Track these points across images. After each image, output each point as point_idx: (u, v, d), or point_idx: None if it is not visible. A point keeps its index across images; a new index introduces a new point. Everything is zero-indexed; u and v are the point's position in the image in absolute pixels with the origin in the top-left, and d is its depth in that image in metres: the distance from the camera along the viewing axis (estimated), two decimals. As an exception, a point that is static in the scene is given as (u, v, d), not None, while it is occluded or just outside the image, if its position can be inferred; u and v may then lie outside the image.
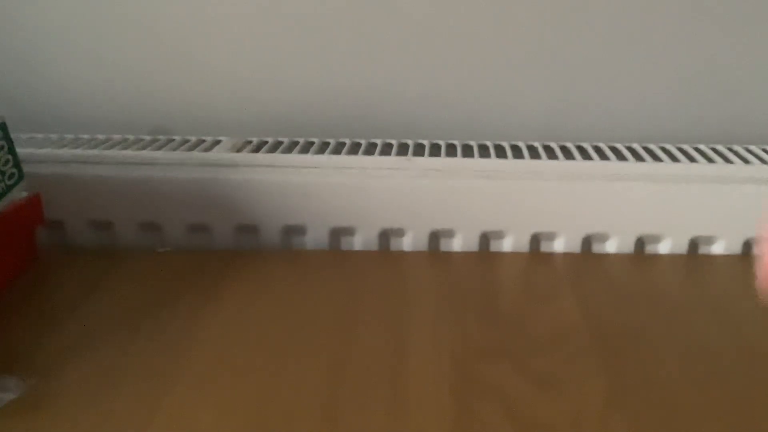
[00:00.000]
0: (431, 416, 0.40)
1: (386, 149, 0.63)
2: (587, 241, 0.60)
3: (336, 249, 0.61)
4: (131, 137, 0.66)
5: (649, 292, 0.54)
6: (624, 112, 0.67)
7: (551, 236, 0.60)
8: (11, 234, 0.54)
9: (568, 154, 0.61)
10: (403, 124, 0.68)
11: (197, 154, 0.60)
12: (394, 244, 0.61)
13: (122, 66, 0.67)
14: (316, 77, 0.66)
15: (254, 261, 0.58)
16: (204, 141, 0.65)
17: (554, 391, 0.42)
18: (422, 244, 0.60)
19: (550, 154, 0.61)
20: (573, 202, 0.58)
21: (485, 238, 0.60)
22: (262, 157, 0.60)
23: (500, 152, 0.62)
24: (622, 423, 0.40)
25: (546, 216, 0.59)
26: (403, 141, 0.65)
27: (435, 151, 0.62)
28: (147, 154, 0.60)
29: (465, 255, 0.60)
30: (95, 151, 0.61)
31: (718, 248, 0.60)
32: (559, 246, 0.60)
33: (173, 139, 0.65)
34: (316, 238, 0.61)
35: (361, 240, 0.60)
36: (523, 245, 0.60)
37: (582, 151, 0.62)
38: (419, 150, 0.62)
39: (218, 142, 0.64)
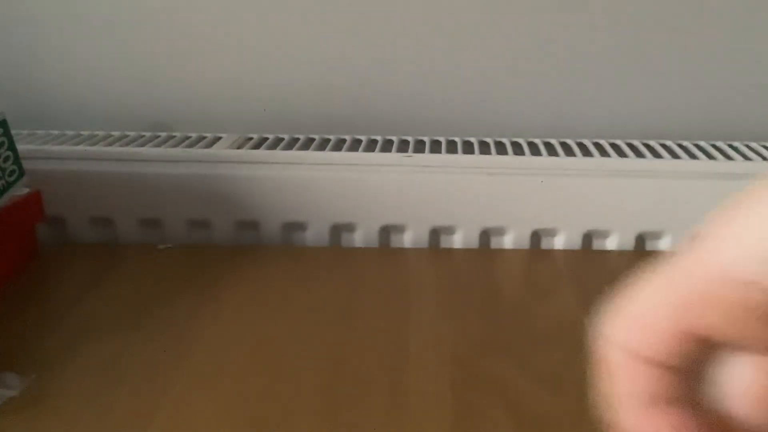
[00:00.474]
0: (432, 412, 0.40)
1: (387, 146, 0.63)
2: (588, 238, 0.60)
3: (336, 245, 0.61)
4: (132, 134, 0.66)
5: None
6: (625, 109, 0.67)
7: (552, 233, 0.60)
8: (11, 230, 0.54)
9: (568, 151, 0.61)
10: (403, 121, 0.68)
11: (198, 151, 0.60)
12: (395, 241, 0.61)
13: (123, 63, 0.67)
14: (316, 74, 0.66)
15: (255, 257, 0.58)
16: (205, 137, 0.65)
17: (555, 387, 0.42)
18: (423, 241, 0.60)
19: (551, 150, 0.61)
20: (574, 199, 0.58)
21: (486, 235, 0.60)
22: (262, 153, 0.60)
23: (501, 149, 0.62)
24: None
25: (546, 212, 0.59)
26: (404, 137, 0.65)
27: (436, 147, 0.62)
28: (148, 150, 0.60)
29: (466, 251, 0.60)
30: (96, 148, 0.61)
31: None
32: (559, 243, 0.60)
33: (174, 136, 0.65)
34: (316, 234, 0.61)
35: (362, 236, 0.60)
36: (524, 242, 0.60)
37: (583, 147, 0.62)
38: (420, 146, 0.62)
39: (219, 138, 0.64)
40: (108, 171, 0.59)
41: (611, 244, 0.60)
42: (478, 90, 0.67)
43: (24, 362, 0.44)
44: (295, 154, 0.60)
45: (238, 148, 0.61)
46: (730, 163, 0.58)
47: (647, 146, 0.62)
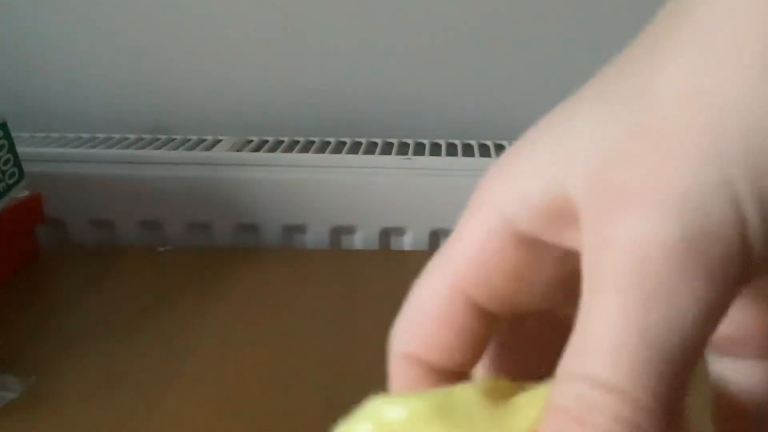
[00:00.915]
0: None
1: (387, 148, 0.63)
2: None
3: (337, 248, 0.61)
4: (132, 136, 0.66)
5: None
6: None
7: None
8: (12, 233, 0.54)
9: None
10: (403, 124, 0.68)
11: (198, 153, 0.60)
12: (395, 243, 0.61)
13: (123, 65, 0.67)
14: (316, 76, 0.66)
15: (255, 260, 0.58)
16: (205, 140, 0.65)
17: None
18: (423, 243, 0.60)
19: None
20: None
21: (486, 237, 0.60)
22: (262, 156, 0.60)
23: (501, 151, 0.62)
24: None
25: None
26: (404, 140, 0.65)
27: (436, 150, 0.62)
28: (147, 153, 0.60)
29: (465, 254, 0.60)
30: (96, 150, 0.61)
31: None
32: None
33: (174, 138, 0.65)
34: (316, 236, 0.61)
35: (362, 239, 0.60)
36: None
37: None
38: (420, 149, 0.62)
39: (219, 141, 0.64)
40: (108, 173, 0.59)
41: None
42: (479, 93, 0.67)
43: (24, 364, 0.44)
44: (295, 156, 0.60)
45: (238, 150, 0.62)
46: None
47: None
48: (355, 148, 0.62)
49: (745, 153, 0.12)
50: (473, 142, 0.64)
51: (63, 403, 0.41)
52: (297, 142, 0.64)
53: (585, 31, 0.64)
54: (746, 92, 0.12)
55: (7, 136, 0.53)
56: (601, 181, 0.14)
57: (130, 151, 0.61)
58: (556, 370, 0.14)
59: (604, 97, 0.14)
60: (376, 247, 0.61)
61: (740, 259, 0.12)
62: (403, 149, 0.62)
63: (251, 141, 0.64)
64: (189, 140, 0.64)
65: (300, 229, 0.61)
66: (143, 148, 0.62)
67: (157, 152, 0.60)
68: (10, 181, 0.53)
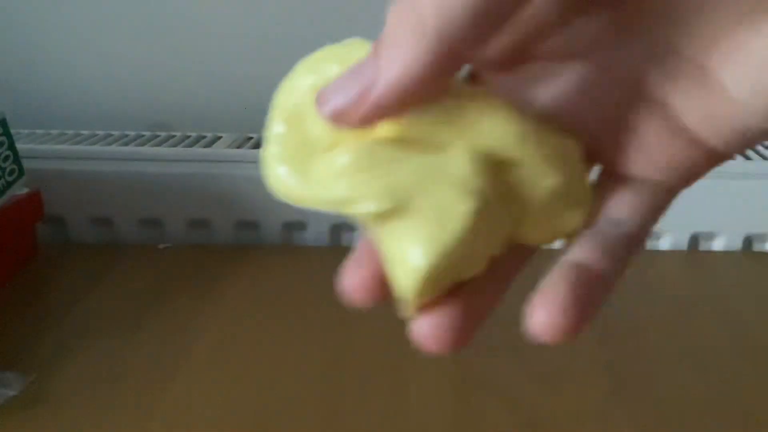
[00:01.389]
0: (432, 412, 0.40)
1: (387, 145, 0.62)
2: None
3: (337, 245, 0.61)
4: (131, 133, 0.66)
5: (649, 287, 0.54)
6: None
7: (552, 232, 0.60)
8: (11, 230, 0.54)
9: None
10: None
11: (198, 150, 0.60)
12: (395, 241, 0.61)
13: (122, 62, 0.67)
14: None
15: (255, 257, 0.58)
16: (204, 137, 0.65)
17: (555, 387, 0.42)
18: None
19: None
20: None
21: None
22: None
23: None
24: (623, 418, 0.40)
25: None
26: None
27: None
28: (147, 150, 0.60)
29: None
30: (95, 147, 0.61)
31: (718, 244, 0.60)
32: (559, 242, 0.60)
33: (173, 135, 0.65)
34: (316, 234, 0.61)
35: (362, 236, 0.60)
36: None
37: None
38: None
39: (219, 138, 0.64)
40: (108, 170, 0.59)
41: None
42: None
43: (24, 362, 0.44)
44: (295, 153, 0.60)
45: (238, 147, 0.61)
46: (731, 162, 0.58)
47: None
48: (354, 145, 0.62)
49: None
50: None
51: (62, 400, 0.41)
52: (297, 139, 0.64)
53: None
54: None
55: (7, 133, 0.53)
56: None
57: (129, 149, 0.60)
58: None
59: None
60: (376, 245, 0.61)
61: None
62: (403, 146, 0.62)
63: (251, 138, 0.64)
64: (189, 137, 0.64)
65: (300, 226, 0.61)
66: (143, 145, 0.62)
67: (157, 149, 0.60)
68: (10, 179, 0.53)
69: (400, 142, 0.17)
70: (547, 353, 0.46)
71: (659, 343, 0.47)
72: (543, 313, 0.18)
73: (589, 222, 0.19)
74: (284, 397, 0.41)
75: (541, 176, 0.17)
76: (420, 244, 0.17)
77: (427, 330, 0.18)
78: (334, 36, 0.19)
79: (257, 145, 0.62)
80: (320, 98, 0.17)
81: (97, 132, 0.66)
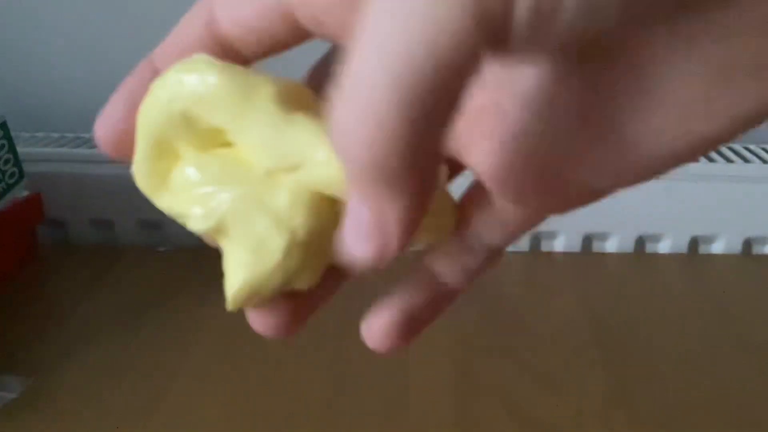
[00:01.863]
0: (432, 412, 0.40)
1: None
2: (587, 240, 0.60)
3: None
4: (132, 136, 0.66)
5: (649, 290, 0.54)
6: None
7: (552, 235, 0.60)
8: (12, 232, 0.54)
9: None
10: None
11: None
12: (395, 243, 0.61)
13: (123, 64, 0.67)
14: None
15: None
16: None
17: (555, 388, 0.42)
18: (422, 243, 0.60)
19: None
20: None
21: (485, 237, 0.60)
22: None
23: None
24: (622, 419, 0.40)
25: (546, 215, 0.59)
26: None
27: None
28: (147, 152, 0.60)
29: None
30: (96, 150, 0.61)
31: (717, 247, 0.60)
32: (559, 245, 0.60)
33: (174, 138, 0.65)
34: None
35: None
36: (524, 244, 0.60)
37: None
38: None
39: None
40: (108, 173, 0.59)
41: (611, 246, 0.60)
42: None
43: (24, 364, 0.44)
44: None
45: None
46: (731, 165, 0.58)
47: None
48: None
49: None
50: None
51: (62, 403, 0.41)
52: (297, 142, 0.64)
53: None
54: None
55: (8, 136, 0.53)
56: None
57: (130, 151, 0.61)
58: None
59: None
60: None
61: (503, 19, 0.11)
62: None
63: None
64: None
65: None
66: (143, 148, 0.62)
67: (157, 152, 0.60)
68: (10, 181, 0.53)
69: (240, 159, 0.17)
70: (547, 354, 0.46)
71: (659, 345, 0.47)
72: (377, 324, 0.20)
73: (452, 232, 0.19)
74: (284, 398, 0.41)
75: None
76: (238, 267, 0.18)
77: (257, 324, 0.20)
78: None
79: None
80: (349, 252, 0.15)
81: (98, 135, 0.66)
